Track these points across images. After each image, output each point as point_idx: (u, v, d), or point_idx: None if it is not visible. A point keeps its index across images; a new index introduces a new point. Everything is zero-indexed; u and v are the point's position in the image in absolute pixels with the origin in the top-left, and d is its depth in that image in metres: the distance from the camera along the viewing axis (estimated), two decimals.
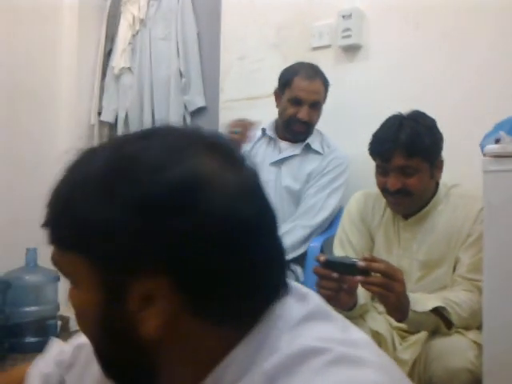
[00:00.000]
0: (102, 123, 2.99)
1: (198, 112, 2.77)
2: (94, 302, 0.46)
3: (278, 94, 2.00)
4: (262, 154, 2.02)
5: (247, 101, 2.31)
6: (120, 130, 2.88)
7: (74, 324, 2.98)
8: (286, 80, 1.94)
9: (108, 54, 2.96)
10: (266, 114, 2.09)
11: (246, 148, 1.94)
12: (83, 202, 0.45)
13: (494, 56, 1.80)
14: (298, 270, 1.88)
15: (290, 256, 1.83)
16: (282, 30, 2.26)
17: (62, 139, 2.99)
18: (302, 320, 0.48)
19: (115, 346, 0.48)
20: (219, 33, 2.51)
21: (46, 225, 0.49)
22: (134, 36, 2.88)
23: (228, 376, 0.46)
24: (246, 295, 0.47)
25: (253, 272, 0.47)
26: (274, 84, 2.02)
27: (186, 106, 2.77)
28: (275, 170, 1.99)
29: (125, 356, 0.48)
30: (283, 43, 2.26)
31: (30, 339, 2.60)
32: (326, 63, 2.05)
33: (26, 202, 2.82)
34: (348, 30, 2.06)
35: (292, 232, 1.86)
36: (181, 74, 2.76)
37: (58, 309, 2.76)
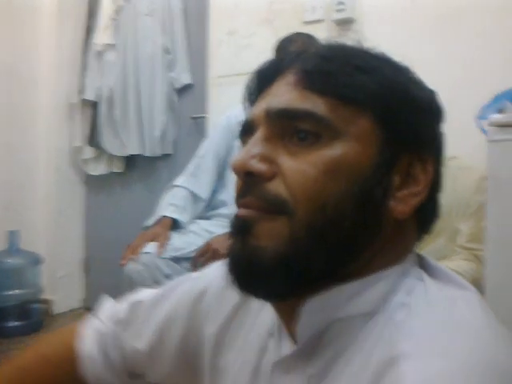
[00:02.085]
0: (84, 102, 2.90)
1: (185, 89, 2.71)
2: (365, 156, 0.46)
3: None
4: None
5: (237, 77, 2.26)
6: (103, 109, 2.80)
7: (56, 308, 2.92)
8: (283, 50, 1.90)
9: (89, 30, 2.87)
10: None
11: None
12: (393, 72, 0.49)
13: (493, 29, 1.79)
14: None
15: None
16: (273, 4, 2.22)
17: (42, 118, 2.91)
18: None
19: (353, 213, 0.45)
20: (207, 7, 2.45)
21: (327, 73, 0.47)
22: (116, 11, 2.80)
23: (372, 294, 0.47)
24: (435, 208, 0.52)
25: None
26: (264, 59, 1.96)
27: (172, 83, 2.71)
28: None
29: (351, 228, 0.45)
30: (275, 18, 2.22)
31: (14, 323, 2.56)
32: (318, 38, 2.01)
33: (7, 184, 2.74)
34: (341, 3, 2.03)
35: None
36: (166, 51, 2.69)
37: (41, 292, 2.71)
